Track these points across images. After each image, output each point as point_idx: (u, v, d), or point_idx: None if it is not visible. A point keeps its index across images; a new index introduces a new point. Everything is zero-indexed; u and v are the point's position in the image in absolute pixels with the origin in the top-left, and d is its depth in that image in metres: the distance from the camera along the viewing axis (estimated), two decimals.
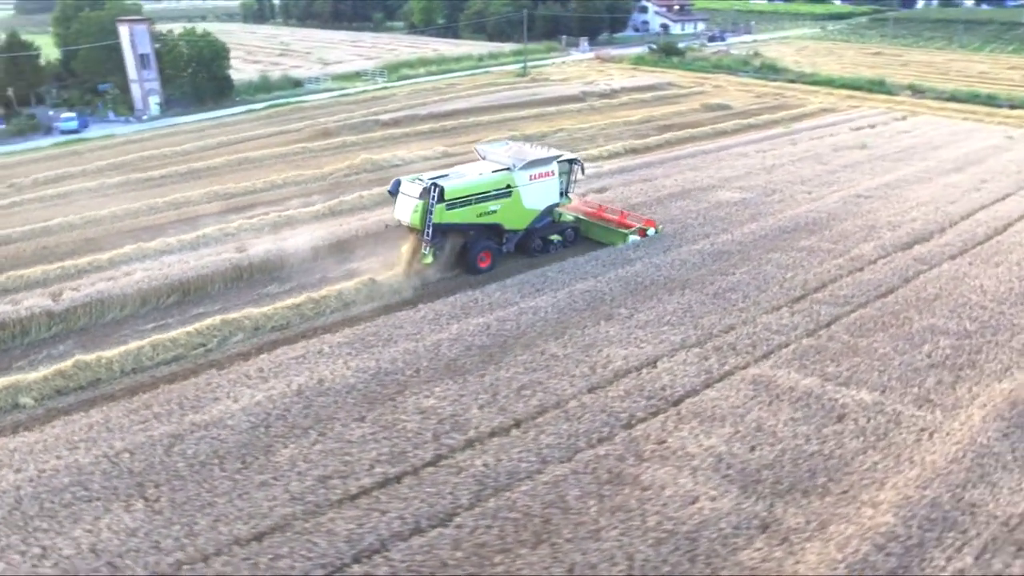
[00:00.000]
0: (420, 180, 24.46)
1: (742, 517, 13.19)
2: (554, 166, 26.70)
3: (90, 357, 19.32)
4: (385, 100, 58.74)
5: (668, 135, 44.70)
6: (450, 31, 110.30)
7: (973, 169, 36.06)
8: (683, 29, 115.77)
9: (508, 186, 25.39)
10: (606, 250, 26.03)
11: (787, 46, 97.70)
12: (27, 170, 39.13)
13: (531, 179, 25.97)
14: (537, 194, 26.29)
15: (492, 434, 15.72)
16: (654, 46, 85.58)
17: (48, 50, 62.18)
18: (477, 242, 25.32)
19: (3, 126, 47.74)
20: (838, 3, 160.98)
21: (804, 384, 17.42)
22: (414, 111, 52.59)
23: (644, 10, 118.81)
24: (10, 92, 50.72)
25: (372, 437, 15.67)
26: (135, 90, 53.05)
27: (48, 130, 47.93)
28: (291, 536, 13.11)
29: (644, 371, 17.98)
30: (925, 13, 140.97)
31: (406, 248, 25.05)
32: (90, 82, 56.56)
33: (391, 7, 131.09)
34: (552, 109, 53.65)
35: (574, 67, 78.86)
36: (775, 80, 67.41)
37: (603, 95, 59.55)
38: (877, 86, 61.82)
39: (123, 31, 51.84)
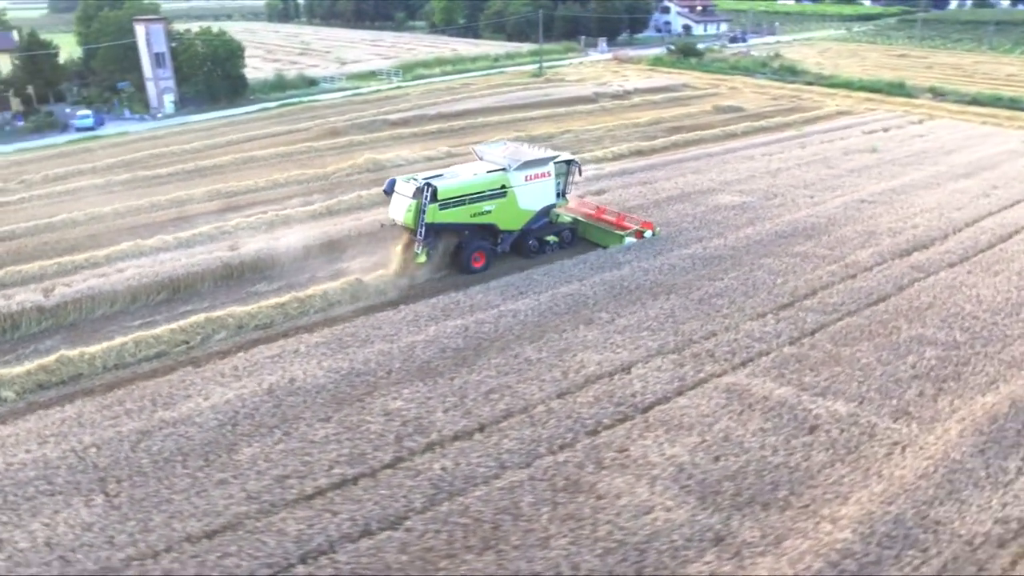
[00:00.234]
0: (414, 180, 24.51)
1: (695, 529, 12.95)
2: (550, 167, 26.57)
3: (73, 353, 19.60)
4: (397, 100, 58.99)
5: (676, 137, 44.27)
6: (470, 31, 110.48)
7: (985, 175, 35.13)
8: (705, 30, 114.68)
9: (503, 187, 25.32)
10: (595, 253, 25.82)
11: (810, 47, 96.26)
12: (39, 166, 39.95)
13: (526, 180, 25.88)
14: (533, 195, 26.18)
15: (455, 438, 15.64)
16: (672, 47, 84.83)
17: (72, 48, 63.60)
18: (471, 242, 25.30)
19: (21, 123, 48.82)
20: (867, 4, 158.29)
21: (779, 394, 17.07)
22: (423, 111, 52.73)
23: (666, 11, 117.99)
24: (30, 90, 51.81)
25: (335, 438, 15.68)
26: (150, 88, 53.92)
27: (64, 127, 48.89)
28: (242, 535, 13.15)
29: (616, 377, 17.77)
30: (956, 14, 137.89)
31: (400, 247, 25.16)
32: (109, 80, 57.64)
33: (413, 7, 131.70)
34: (562, 110, 53.43)
35: (590, 68, 78.51)
36: (793, 82, 66.41)
37: (615, 96, 59.19)
38: (897, 89, 60.58)
39: (139, 30, 52.73)
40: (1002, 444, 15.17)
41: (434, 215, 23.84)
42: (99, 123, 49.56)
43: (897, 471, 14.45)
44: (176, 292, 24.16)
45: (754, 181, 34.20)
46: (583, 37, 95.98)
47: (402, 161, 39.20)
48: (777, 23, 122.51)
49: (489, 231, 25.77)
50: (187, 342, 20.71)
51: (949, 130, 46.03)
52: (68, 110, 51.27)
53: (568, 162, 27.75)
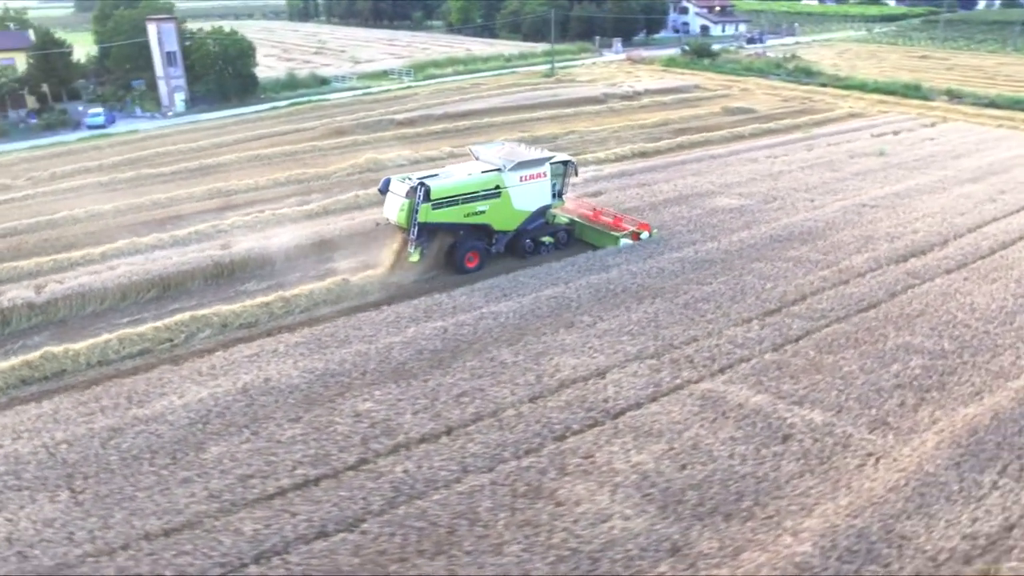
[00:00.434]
0: (409, 179, 24.56)
1: (652, 539, 12.74)
2: (546, 167, 26.45)
3: (58, 349, 19.82)
4: (405, 99, 59.12)
5: (681, 139, 43.85)
6: (487, 31, 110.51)
7: (993, 179, 34.35)
8: (723, 31, 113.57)
9: (497, 187, 25.26)
10: (584, 255, 25.63)
11: (828, 48, 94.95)
12: (48, 164, 40.57)
13: (521, 180, 25.80)
14: (527, 195, 26.08)
15: (421, 440, 15.57)
16: (687, 47, 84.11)
17: (88, 47, 64.62)
18: (465, 242, 25.26)
19: (34, 121, 49.65)
20: (892, 4, 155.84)
21: (755, 401, 16.78)
22: (430, 111, 52.78)
23: (684, 11, 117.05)
24: (44, 88, 52.69)
25: (302, 438, 15.68)
26: (162, 87, 54.58)
27: (76, 125, 49.61)
28: (199, 533, 13.18)
29: (591, 382, 17.58)
30: (982, 15, 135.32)
31: (394, 247, 25.19)
32: (124, 79, 58.45)
33: (430, 6, 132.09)
34: (570, 111, 53.18)
35: (603, 68, 78.10)
36: (807, 84, 65.51)
37: (625, 97, 58.80)
38: (912, 91, 59.48)
39: (151, 29, 53.38)
40: (980, 457, 14.78)
41: (427, 215, 23.84)
42: (110, 121, 50.23)
43: (867, 483, 14.12)
44: (166, 290, 24.38)
45: (755, 184, 33.75)
46: (598, 37, 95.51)
47: (403, 161, 39.24)
48: (797, 24, 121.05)
49: (483, 231, 25.71)
50: (171, 340, 20.86)
51: (962, 133, 45.09)
52: (81, 108, 52.03)
53: (565, 163, 27.60)
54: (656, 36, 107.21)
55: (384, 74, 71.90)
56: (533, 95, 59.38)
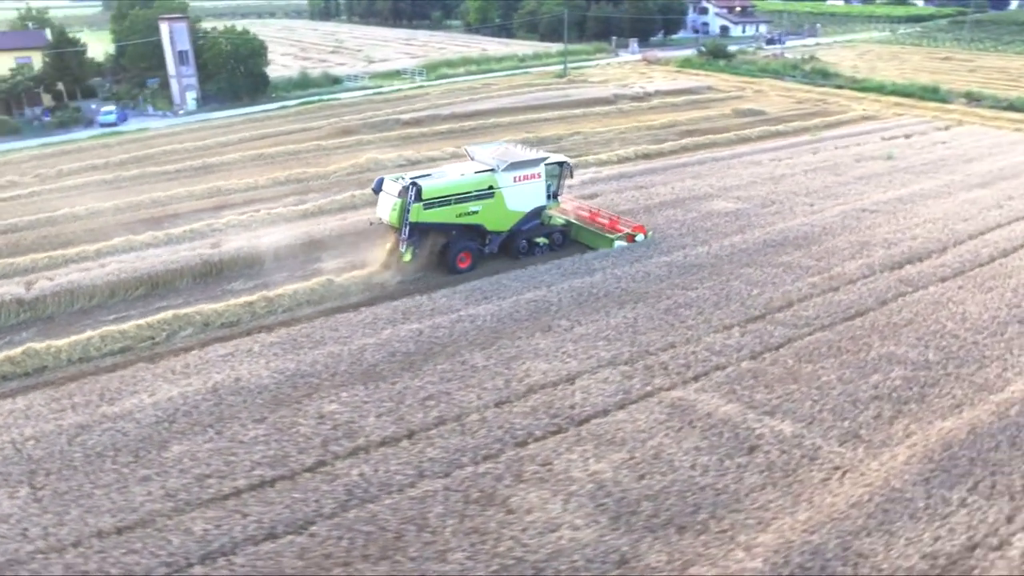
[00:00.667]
0: (401, 179, 24.57)
1: (600, 550, 12.52)
2: (541, 168, 26.29)
3: (40, 345, 20.06)
4: (415, 99, 59.21)
5: (686, 141, 43.34)
6: (504, 31, 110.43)
7: (1002, 184, 33.45)
8: (744, 31, 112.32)
9: (490, 187, 25.16)
10: (570, 258, 25.40)
11: (850, 50, 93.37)
12: (56, 161, 41.22)
13: (515, 181, 25.67)
14: (521, 196, 25.95)
15: (381, 443, 15.49)
16: (703, 48, 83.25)
17: (105, 46, 65.64)
18: (457, 242, 25.20)
19: (47, 118, 50.52)
20: (921, 4, 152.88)
21: (724, 411, 16.46)
22: (437, 111, 52.79)
23: (704, 11, 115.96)
24: (60, 86, 53.62)
25: (264, 439, 15.68)
26: (174, 85, 55.26)
27: (89, 123, 50.39)
28: (151, 532, 13.24)
29: (560, 387, 17.37)
30: (1014, 15, 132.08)
31: (388, 246, 25.21)
32: (139, 77, 59.29)
33: (449, 6, 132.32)
34: (578, 112, 52.87)
35: (617, 69, 77.59)
36: (823, 85, 64.47)
37: (635, 98, 58.32)
38: (930, 93, 58.21)
39: (163, 28, 54.08)
40: (951, 473, 14.34)
41: (418, 214, 23.81)
42: (122, 119, 50.96)
43: (830, 498, 13.76)
44: (154, 288, 24.57)
45: (754, 187, 33.23)
46: (615, 38, 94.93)
47: (404, 161, 39.25)
48: (819, 24, 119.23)
49: (477, 232, 25.61)
50: (153, 338, 21.01)
51: (976, 137, 44.00)
52: (94, 106, 52.84)
53: (560, 164, 27.42)
54: (674, 37, 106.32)
55: (396, 74, 72.12)
56: (543, 96, 59.15)
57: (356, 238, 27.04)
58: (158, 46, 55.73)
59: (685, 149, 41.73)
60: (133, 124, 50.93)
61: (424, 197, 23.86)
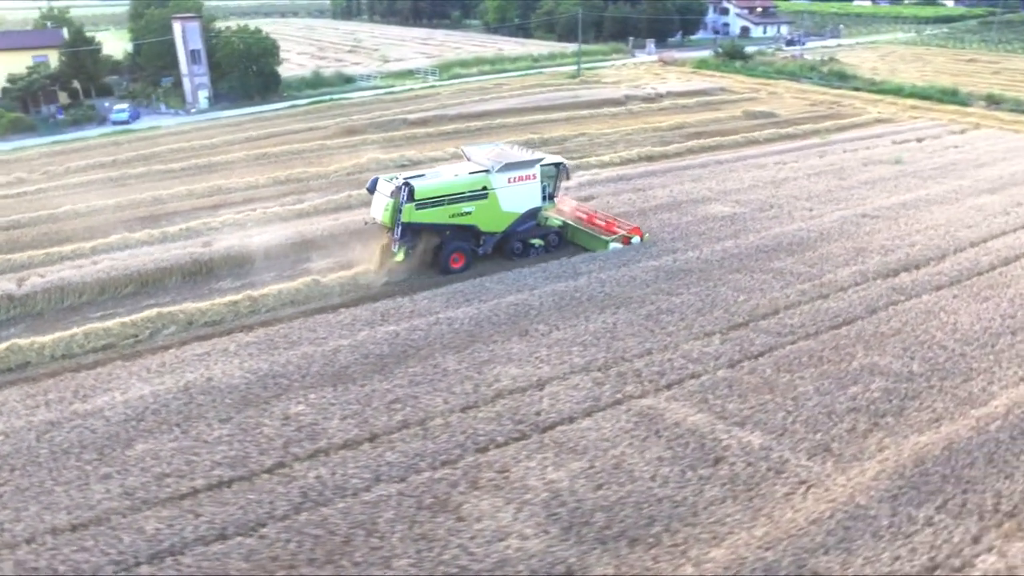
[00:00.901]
0: (395, 179, 24.59)
1: (547, 561, 12.32)
2: (536, 170, 26.15)
3: (25, 341, 20.31)
4: (424, 99, 59.26)
5: (692, 143, 42.83)
6: (522, 30, 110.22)
7: (1013, 190, 32.54)
8: (764, 32, 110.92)
9: (484, 188, 25.08)
10: (557, 261, 25.18)
11: (872, 51, 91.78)
12: (66, 158, 41.87)
13: (509, 182, 25.54)
14: (516, 197, 25.83)
15: (343, 446, 15.42)
16: (720, 49, 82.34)
17: (125, 44, 66.66)
18: (450, 243, 25.14)
19: (61, 116, 51.38)
20: (950, 5, 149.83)
21: (693, 420, 16.15)
22: (445, 111, 52.77)
23: (725, 12, 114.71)
24: (75, 84, 54.53)
25: (227, 439, 15.69)
26: (186, 84, 55.91)
27: (102, 121, 51.15)
28: (104, 530, 13.28)
29: (528, 393, 17.16)
30: None
31: (381, 246, 25.24)
32: (154, 76, 60.11)
33: (468, 5, 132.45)
34: (586, 112, 52.56)
35: (632, 70, 77.03)
36: (839, 87, 63.42)
37: (646, 99, 57.82)
38: (949, 96, 56.94)
39: (176, 28, 54.74)
40: (920, 490, 13.91)
41: (411, 215, 23.80)
42: (135, 117, 51.65)
43: (790, 513, 13.41)
44: (144, 286, 24.80)
45: (754, 191, 32.70)
46: (631, 38, 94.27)
47: (406, 161, 39.26)
48: (842, 25, 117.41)
49: (471, 232, 25.53)
50: (136, 336, 21.19)
51: (991, 141, 42.91)
52: (107, 104, 53.65)
53: (556, 165, 27.25)
54: (693, 37, 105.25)
55: (410, 73, 72.28)
56: (554, 96, 58.86)
57: (348, 238, 27.06)
58: (172, 45, 56.41)
59: (690, 151, 41.24)
60: (145, 122, 51.60)
61: (417, 197, 23.84)
